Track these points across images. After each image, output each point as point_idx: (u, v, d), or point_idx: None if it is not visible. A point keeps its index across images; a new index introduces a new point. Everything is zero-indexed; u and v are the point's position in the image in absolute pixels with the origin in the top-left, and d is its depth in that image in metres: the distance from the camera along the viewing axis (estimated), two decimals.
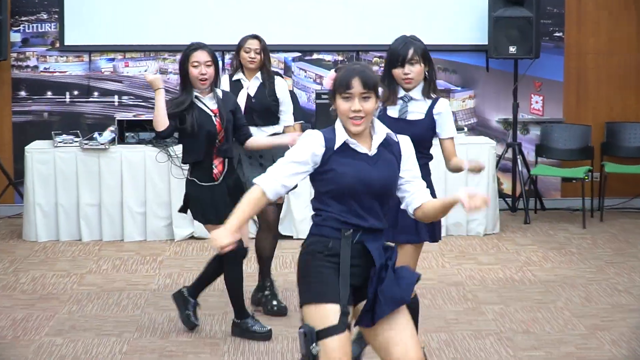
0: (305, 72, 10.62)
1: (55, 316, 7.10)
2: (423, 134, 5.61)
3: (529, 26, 10.13)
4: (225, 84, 7.15)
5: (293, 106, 7.47)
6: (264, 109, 7.19)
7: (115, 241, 9.44)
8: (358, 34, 10.62)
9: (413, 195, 4.45)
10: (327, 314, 4.20)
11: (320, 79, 10.55)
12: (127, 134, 9.53)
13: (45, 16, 10.56)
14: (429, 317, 6.99)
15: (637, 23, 10.78)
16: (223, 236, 4.18)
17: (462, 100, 10.75)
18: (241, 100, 7.06)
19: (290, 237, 9.43)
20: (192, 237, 9.55)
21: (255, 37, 7.23)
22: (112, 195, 9.40)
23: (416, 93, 5.67)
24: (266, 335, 6.51)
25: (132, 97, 10.68)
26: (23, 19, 10.55)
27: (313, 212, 4.45)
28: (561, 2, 10.69)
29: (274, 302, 7.13)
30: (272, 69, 7.62)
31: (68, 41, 10.52)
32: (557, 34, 10.73)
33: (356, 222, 4.33)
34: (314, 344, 4.15)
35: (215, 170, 6.46)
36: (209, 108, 6.48)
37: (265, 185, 4.31)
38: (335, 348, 4.14)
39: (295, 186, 4.49)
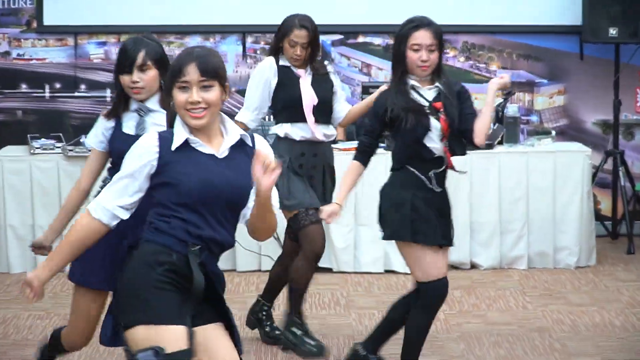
0: (349, 59, 10.71)
1: None
2: None
3: (633, 3, 10.17)
4: (271, 68, 7.22)
5: None
6: (326, 104, 7.27)
7: None
8: (416, 11, 10.65)
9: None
10: (176, 337, 4.34)
11: (367, 68, 10.63)
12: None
13: None
14: None
15: None
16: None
17: (550, 96, 10.81)
18: (306, 94, 7.13)
19: (330, 270, 9.55)
20: None
21: (304, 26, 7.13)
22: None
23: (152, 103, 5.64)
24: None
25: None
26: None
27: (152, 218, 4.55)
28: None
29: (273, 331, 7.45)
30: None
31: (48, 20, 10.62)
32: None
33: (209, 234, 4.49)
34: None
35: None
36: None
37: (95, 211, 4.49)
38: None
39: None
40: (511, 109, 9.94)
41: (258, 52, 10.84)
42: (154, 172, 4.46)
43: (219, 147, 4.56)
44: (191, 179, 4.44)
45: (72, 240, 4.54)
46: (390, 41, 10.66)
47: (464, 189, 9.55)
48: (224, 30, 10.79)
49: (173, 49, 10.71)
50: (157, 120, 5.51)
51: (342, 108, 7.41)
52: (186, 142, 4.49)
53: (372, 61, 10.72)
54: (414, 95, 6.27)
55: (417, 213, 6.28)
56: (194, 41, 10.73)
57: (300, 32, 7.09)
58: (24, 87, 10.66)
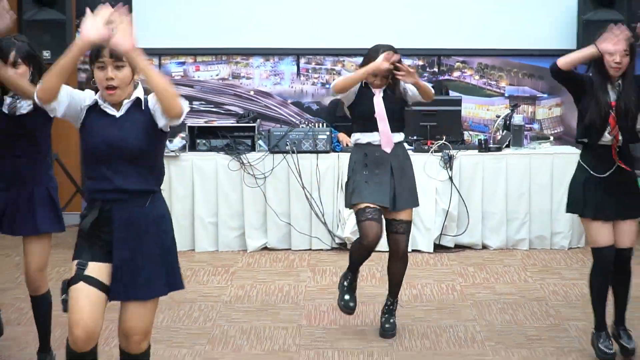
0: None
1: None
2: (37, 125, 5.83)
3: None
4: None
5: None
6: (397, 115, 6.97)
7: (186, 251, 9.48)
8: (439, 37, 10.69)
9: None
10: (73, 268, 4.69)
11: None
12: (198, 141, 9.56)
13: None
14: (510, 332, 7.10)
15: None
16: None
17: (549, 108, 10.80)
18: (380, 109, 6.84)
19: (471, 248, 9.70)
20: (265, 248, 9.64)
21: (388, 49, 6.82)
22: (183, 204, 9.48)
23: None
24: None
25: (203, 102, 10.83)
26: None
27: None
28: None
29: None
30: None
31: (139, 43, 10.70)
32: None
33: (104, 187, 4.66)
34: (65, 293, 4.69)
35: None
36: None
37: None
38: (72, 296, 4.60)
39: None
40: (517, 118, 9.85)
41: (309, 71, 10.83)
42: (82, 118, 4.73)
43: (120, 108, 4.70)
44: (94, 134, 4.69)
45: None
46: (419, 62, 10.76)
47: (477, 184, 9.65)
48: (282, 53, 10.78)
49: (240, 68, 10.76)
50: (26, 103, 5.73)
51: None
52: (97, 103, 4.72)
53: None
54: None
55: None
56: (256, 62, 10.74)
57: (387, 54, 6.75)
58: None
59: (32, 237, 5.88)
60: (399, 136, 6.97)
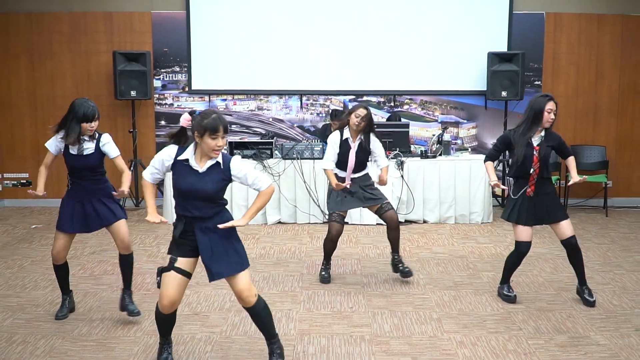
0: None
1: None
2: (95, 161, 5.74)
3: (516, 77, 10.14)
4: (337, 139, 6.80)
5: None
6: (360, 163, 6.83)
7: None
8: (394, 82, 10.67)
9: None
10: (167, 260, 4.71)
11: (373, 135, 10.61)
12: (235, 151, 9.59)
13: (177, 69, 10.71)
14: (442, 279, 7.03)
15: (595, 76, 10.74)
16: (152, 218, 4.68)
17: (468, 129, 10.74)
18: (351, 157, 6.76)
19: (416, 222, 9.57)
20: (279, 222, 9.61)
21: (366, 107, 6.76)
22: (226, 194, 9.34)
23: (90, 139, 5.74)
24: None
25: (238, 125, 10.76)
26: (162, 70, 10.70)
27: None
28: (540, 60, 10.67)
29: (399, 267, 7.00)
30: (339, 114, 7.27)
31: (194, 86, 10.68)
32: (536, 82, 10.71)
33: (185, 213, 4.64)
34: (159, 276, 4.70)
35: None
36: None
37: (145, 175, 4.81)
38: (165, 279, 4.66)
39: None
40: (446, 136, 9.94)
41: (309, 105, 10.76)
42: (169, 165, 4.67)
43: (203, 166, 4.61)
44: (181, 182, 4.61)
45: (143, 185, 4.83)
46: (381, 99, 10.67)
47: (420, 179, 9.53)
48: (290, 93, 10.72)
49: (263, 103, 10.71)
50: (87, 143, 5.71)
51: (380, 163, 6.89)
52: (187, 160, 4.63)
53: (371, 109, 10.69)
54: None
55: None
56: (273, 99, 10.70)
57: (362, 110, 6.73)
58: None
59: (115, 224, 5.80)
60: (364, 172, 6.90)
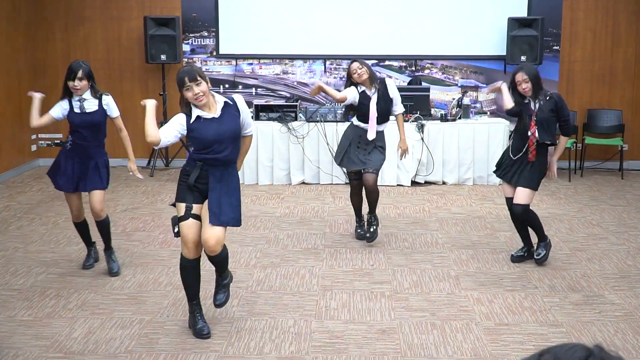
0: (379, 73, 10.60)
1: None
2: (99, 118, 5.75)
3: (536, 42, 9.97)
4: (354, 93, 6.58)
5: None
6: (383, 112, 6.60)
7: (253, 184, 9.49)
8: (416, 47, 10.56)
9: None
10: (181, 208, 4.66)
11: (389, 78, 10.52)
12: (261, 114, 9.56)
13: (206, 33, 10.66)
14: (460, 239, 7.01)
15: (611, 40, 10.56)
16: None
17: (487, 93, 10.63)
18: (372, 108, 6.53)
19: (435, 183, 9.54)
20: (303, 183, 9.58)
21: (355, 60, 6.58)
22: (251, 154, 9.29)
23: (87, 95, 5.70)
24: None
25: (264, 89, 10.71)
26: (190, 35, 10.65)
27: (189, 156, 4.78)
28: (559, 25, 10.49)
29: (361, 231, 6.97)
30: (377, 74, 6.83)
31: (222, 51, 10.62)
32: (555, 47, 10.54)
33: (207, 156, 4.62)
34: (176, 226, 4.68)
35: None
36: None
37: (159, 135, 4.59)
38: (184, 228, 4.63)
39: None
40: (465, 100, 9.87)
41: (332, 69, 10.66)
42: (184, 134, 4.63)
43: (215, 111, 4.63)
44: (205, 134, 4.58)
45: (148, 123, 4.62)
46: (403, 63, 10.56)
47: (439, 142, 9.47)
48: (314, 57, 10.64)
49: (288, 67, 10.66)
50: (90, 102, 5.71)
51: (396, 109, 6.71)
52: (198, 117, 4.61)
53: (392, 74, 10.60)
54: None
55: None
56: (298, 63, 10.63)
57: (354, 64, 6.55)
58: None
59: (97, 190, 5.83)
60: (382, 127, 6.66)
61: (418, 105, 9.52)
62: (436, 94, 10.62)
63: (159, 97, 10.53)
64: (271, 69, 10.72)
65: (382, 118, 6.62)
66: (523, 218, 6.06)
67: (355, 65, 6.55)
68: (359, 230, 6.95)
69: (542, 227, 6.20)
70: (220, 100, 4.69)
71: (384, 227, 7.35)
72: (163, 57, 10.15)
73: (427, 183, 9.56)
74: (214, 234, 4.61)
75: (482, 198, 8.82)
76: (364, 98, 6.58)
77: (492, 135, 9.49)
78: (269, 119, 9.52)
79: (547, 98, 6.00)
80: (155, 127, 4.57)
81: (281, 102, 10.19)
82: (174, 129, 4.61)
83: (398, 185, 9.43)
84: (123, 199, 8.66)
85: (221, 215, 4.64)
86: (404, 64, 10.68)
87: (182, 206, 4.68)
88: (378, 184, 7.42)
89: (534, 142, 6.01)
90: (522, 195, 6.01)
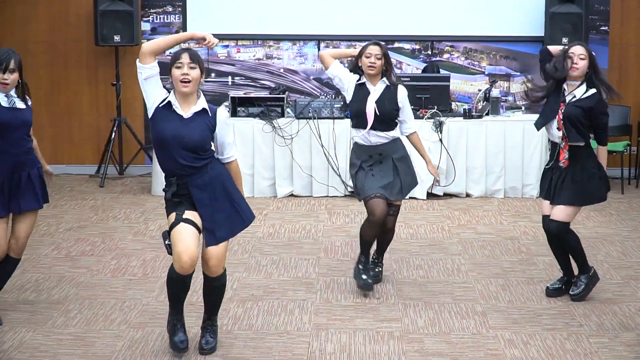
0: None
1: None
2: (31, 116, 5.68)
3: (579, 21, 10.04)
4: (352, 83, 6.39)
5: None
6: (385, 116, 6.27)
7: None
8: (432, 26, 10.60)
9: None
10: (170, 219, 4.92)
11: (400, 64, 10.56)
12: (238, 109, 9.53)
13: (170, 9, 10.68)
14: (488, 265, 7.02)
15: None
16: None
17: (521, 83, 10.65)
18: (370, 105, 6.22)
19: (457, 196, 9.59)
20: (291, 195, 9.60)
21: (377, 43, 6.29)
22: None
23: (13, 92, 5.58)
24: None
25: (242, 77, 10.74)
26: (151, 11, 10.68)
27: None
28: (607, 1, 10.56)
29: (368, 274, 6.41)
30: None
31: (190, 30, 10.55)
32: (603, 28, 10.61)
33: (174, 169, 4.92)
34: (167, 239, 4.93)
35: None
36: None
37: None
38: (175, 235, 4.83)
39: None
40: (495, 92, 9.91)
41: None
42: (152, 106, 4.94)
43: (188, 111, 4.90)
44: (163, 128, 4.89)
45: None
46: (416, 46, 10.62)
47: (462, 144, 9.51)
48: (306, 38, 10.67)
49: (272, 51, 10.69)
50: (16, 99, 5.57)
51: (406, 128, 6.44)
52: (169, 102, 4.90)
53: (403, 59, 10.65)
54: None
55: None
56: (285, 45, 10.67)
57: (373, 46, 6.25)
58: None
59: (26, 213, 5.69)
60: (391, 134, 6.36)
61: (435, 99, 9.56)
62: (458, 84, 10.66)
63: (112, 87, 10.55)
64: (252, 52, 10.75)
65: (383, 124, 6.30)
66: (559, 239, 6.10)
67: (375, 49, 6.27)
68: (363, 277, 6.32)
69: (583, 253, 6.20)
70: (200, 104, 4.96)
71: (393, 252, 7.36)
72: (117, 38, 10.17)
73: (446, 195, 9.60)
74: (214, 254, 4.96)
75: (515, 214, 8.86)
76: (360, 92, 6.37)
77: (528, 136, 9.51)
78: (249, 115, 9.53)
79: (590, 93, 5.96)
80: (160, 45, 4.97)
81: (264, 94, 10.20)
82: (158, 85, 4.94)
83: (411, 198, 9.41)
84: (67, 215, 8.66)
85: (216, 230, 4.94)
86: (417, 47, 10.71)
87: (171, 216, 4.94)
88: None
89: (561, 143, 6.03)
90: (559, 211, 6.05)
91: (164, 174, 5.06)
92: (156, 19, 10.68)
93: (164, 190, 5.03)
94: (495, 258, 7.26)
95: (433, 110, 9.47)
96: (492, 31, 10.59)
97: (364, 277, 6.30)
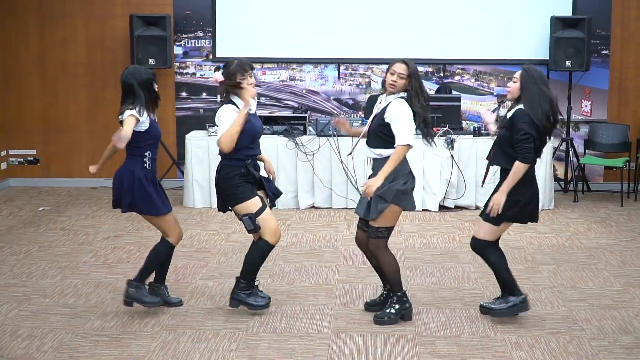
0: None
1: (208, 265, 7.29)
2: None
3: (582, 45, 10.01)
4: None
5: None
6: (371, 130, 5.74)
7: None
8: (444, 50, 10.60)
9: None
10: (254, 203, 5.75)
11: (400, 100, 10.55)
12: (264, 127, 9.36)
13: (201, 34, 10.74)
14: None
15: None
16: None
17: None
18: (370, 119, 5.77)
19: (467, 208, 9.51)
20: (312, 207, 9.63)
21: (404, 62, 5.63)
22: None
23: None
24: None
25: (267, 97, 10.77)
26: (184, 36, 10.73)
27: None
28: (608, 26, 10.53)
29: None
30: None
31: (219, 54, 10.68)
32: (604, 52, 10.58)
33: (253, 153, 5.84)
34: (254, 220, 5.73)
35: None
36: None
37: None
38: (267, 217, 5.78)
39: None
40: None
41: (347, 75, 10.74)
42: None
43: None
44: (256, 126, 5.86)
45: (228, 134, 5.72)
46: (429, 68, 10.62)
47: (472, 160, 9.49)
48: (326, 62, 10.70)
49: (295, 73, 10.72)
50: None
51: (395, 142, 5.63)
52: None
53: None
54: None
55: None
56: (307, 68, 10.69)
57: (399, 64, 5.60)
58: (204, 95, 10.74)
59: None
60: (381, 151, 5.69)
61: (447, 117, 9.56)
62: (468, 104, 10.65)
63: None
64: (276, 74, 10.79)
65: (371, 139, 5.73)
66: (478, 252, 5.93)
67: (400, 68, 5.62)
68: (368, 301, 6.12)
69: (505, 273, 5.88)
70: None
71: (407, 260, 7.37)
72: (151, 61, 10.23)
73: (457, 208, 9.59)
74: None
75: (521, 225, 8.75)
76: (371, 106, 6.12)
77: None
78: (274, 133, 9.57)
79: (515, 110, 5.70)
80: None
81: (288, 113, 10.26)
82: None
83: (424, 210, 9.44)
84: (104, 225, 8.71)
85: (276, 198, 6.00)
86: (430, 70, 10.71)
87: (254, 201, 5.72)
88: None
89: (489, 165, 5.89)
90: (480, 227, 5.89)
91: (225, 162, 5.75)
92: (187, 44, 10.73)
93: (228, 172, 5.72)
94: None
95: (445, 129, 9.47)
96: (500, 55, 10.58)
97: (368, 301, 6.11)
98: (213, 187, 9.39)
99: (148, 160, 5.74)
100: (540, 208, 9.35)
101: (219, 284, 6.68)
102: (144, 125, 5.67)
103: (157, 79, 5.89)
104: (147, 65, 10.22)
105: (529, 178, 5.73)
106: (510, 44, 10.57)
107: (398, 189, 5.61)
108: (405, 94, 5.71)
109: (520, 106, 5.72)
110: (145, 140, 5.71)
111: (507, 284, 5.89)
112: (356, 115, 9.83)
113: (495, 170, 5.93)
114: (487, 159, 5.99)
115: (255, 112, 5.87)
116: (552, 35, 10.10)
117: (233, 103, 5.77)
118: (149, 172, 5.76)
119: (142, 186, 5.70)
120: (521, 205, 5.77)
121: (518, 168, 5.63)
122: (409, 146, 5.60)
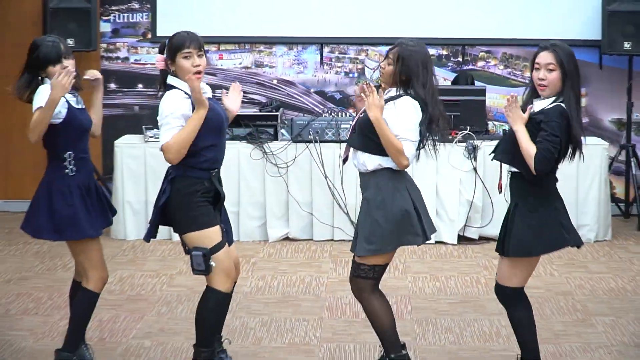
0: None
1: (144, 318, 7.22)
2: None
3: None
4: None
5: None
6: (360, 132, 5.74)
7: None
8: (463, 27, 10.60)
9: None
10: (214, 235, 5.50)
11: (404, 98, 10.53)
12: None
13: (136, 5, 10.74)
14: (536, 328, 6.98)
15: None
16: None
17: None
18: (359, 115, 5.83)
19: (494, 240, 9.38)
20: (286, 239, 9.63)
21: (398, 44, 5.71)
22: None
23: None
24: None
25: (226, 90, 10.72)
26: (113, 8, 10.75)
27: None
28: None
29: None
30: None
31: (160, 32, 10.66)
32: None
33: (215, 164, 5.62)
34: (209, 262, 5.47)
35: None
36: None
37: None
38: (222, 255, 5.52)
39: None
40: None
41: (333, 60, 10.81)
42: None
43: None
44: (217, 118, 5.67)
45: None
46: (443, 51, 10.61)
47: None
48: (305, 42, 10.74)
49: (263, 57, 10.72)
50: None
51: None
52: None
53: None
54: None
55: None
56: (279, 50, 10.72)
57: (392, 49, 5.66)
58: (139, 87, 10.72)
59: None
60: (366, 158, 5.68)
61: (468, 117, 9.58)
62: (496, 99, 10.67)
63: None
64: (237, 59, 10.84)
65: (359, 140, 5.75)
66: (508, 304, 5.76)
67: (391, 51, 5.72)
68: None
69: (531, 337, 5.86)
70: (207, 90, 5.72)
71: (415, 311, 7.36)
72: (70, 41, 10.15)
73: (482, 239, 9.59)
74: (234, 253, 5.85)
75: (568, 263, 8.82)
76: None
77: (585, 165, 9.31)
78: (233, 138, 9.54)
79: (554, 105, 5.61)
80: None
81: (253, 110, 10.23)
82: (182, 113, 5.52)
83: (437, 242, 9.44)
84: (6, 264, 8.66)
85: (229, 229, 5.80)
86: (445, 53, 10.74)
87: (214, 232, 5.49)
88: None
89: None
90: (504, 268, 5.66)
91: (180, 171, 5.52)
92: (119, 19, 10.74)
93: (185, 188, 5.48)
94: (544, 319, 7.20)
95: (465, 132, 9.48)
96: (536, 33, 10.55)
97: None
98: (150, 211, 9.41)
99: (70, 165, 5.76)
100: (593, 238, 9.40)
101: (159, 344, 6.62)
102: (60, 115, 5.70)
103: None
104: None
105: (544, 196, 5.77)
106: (549, 20, 10.62)
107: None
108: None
109: (561, 103, 5.58)
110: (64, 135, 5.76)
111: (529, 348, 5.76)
112: (345, 114, 9.76)
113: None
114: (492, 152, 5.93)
115: (212, 96, 5.82)
116: (604, 8, 10.12)
117: (177, 88, 5.63)
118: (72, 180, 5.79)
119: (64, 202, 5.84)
120: (543, 230, 5.60)
121: (529, 159, 5.54)
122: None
